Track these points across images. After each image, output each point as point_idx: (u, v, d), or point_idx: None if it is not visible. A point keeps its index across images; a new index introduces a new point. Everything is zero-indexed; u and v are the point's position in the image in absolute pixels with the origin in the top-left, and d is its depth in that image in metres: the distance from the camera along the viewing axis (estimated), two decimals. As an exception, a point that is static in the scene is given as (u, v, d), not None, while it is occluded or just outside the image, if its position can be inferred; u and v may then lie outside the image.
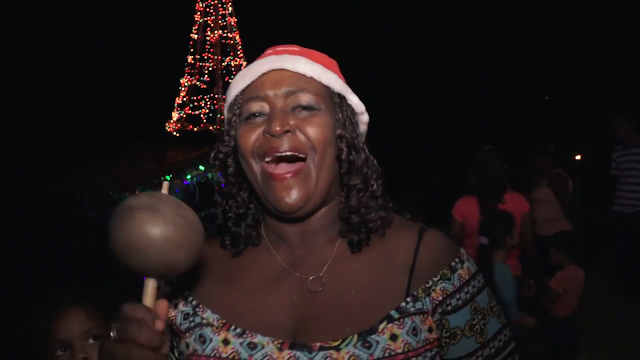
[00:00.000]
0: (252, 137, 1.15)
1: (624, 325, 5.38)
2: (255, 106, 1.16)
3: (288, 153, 1.12)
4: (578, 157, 7.86)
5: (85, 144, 20.44)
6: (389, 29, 28.20)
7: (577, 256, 4.72)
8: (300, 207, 1.13)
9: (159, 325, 0.96)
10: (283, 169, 1.13)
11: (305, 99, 1.15)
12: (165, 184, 1.03)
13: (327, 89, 1.19)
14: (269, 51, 1.26)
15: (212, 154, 1.27)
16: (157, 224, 0.94)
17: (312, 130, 1.13)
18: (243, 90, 1.21)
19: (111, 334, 0.97)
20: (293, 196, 1.12)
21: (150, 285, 0.98)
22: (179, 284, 1.22)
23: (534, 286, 4.28)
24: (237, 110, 1.21)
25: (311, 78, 1.17)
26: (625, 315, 5.57)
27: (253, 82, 1.19)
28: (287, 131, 1.12)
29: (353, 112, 1.24)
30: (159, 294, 1.00)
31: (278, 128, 1.11)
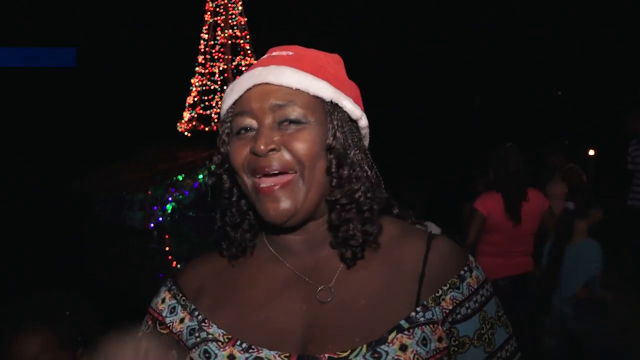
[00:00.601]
0: (242, 153, 1.12)
1: (639, 323, 5.32)
2: (244, 121, 1.14)
3: (276, 171, 1.10)
4: (592, 153, 7.81)
5: (98, 145, 20.56)
6: (400, 25, 28.14)
7: None
8: (287, 218, 1.11)
9: None
10: (271, 181, 1.11)
11: (292, 113, 1.11)
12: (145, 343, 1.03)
13: (317, 98, 1.15)
14: (264, 56, 1.23)
15: (207, 170, 1.28)
16: None
17: (299, 146, 1.09)
18: (233, 104, 1.19)
19: None
20: (280, 208, 1.09)
21: None
22: (185, 296, 1.22)
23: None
24: (229, 125, 1.20)
25: (298, 90, 1.13)
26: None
27: (241, 96, 1.16)
28: (273, 149, 1.09)
29: (348, 118, 1.20)
30: None
31: (262, 147, 1.08)
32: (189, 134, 20.29)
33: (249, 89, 1.15)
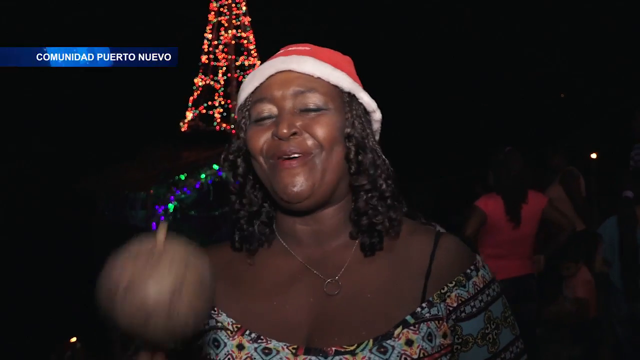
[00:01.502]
0: (261, 139, 1.14)
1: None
2: (264, 108, 1.16)
3: (296, 155, 1.12)
4: (594, 156, 7.80)
5: (101, 144, 20.60)
6: (406, 27, 28.14)
7: (592, 256, 4.73)
8: (305, 196, 1.11)
9: None
10: (290, 161, 1.12)
11: (313, 99, 1.14)
12: (163, 227, 0.94)
13: (336, 88, 1.18)
14: (280, 51, 1.26)
15: (222, 155, 1.27)
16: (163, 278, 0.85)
17: (320, 130, 1.12)
18: (252, 93, 1.21)
19: None
20: (298, 183, 1.10)
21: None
22: None
23: (542, 262, 4.40)
24: (247, 112, 1.21)
25: (319, 78, 1.16)
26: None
27: (261, 84, 1.19)
28: (294, 133, 1.11)
29: (364, 111, 1.23)
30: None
31: (285, 130, 1.10)
32: (192, 134, 20.31)
33: (271, 76, 1.17)
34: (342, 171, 1.16)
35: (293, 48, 1.24)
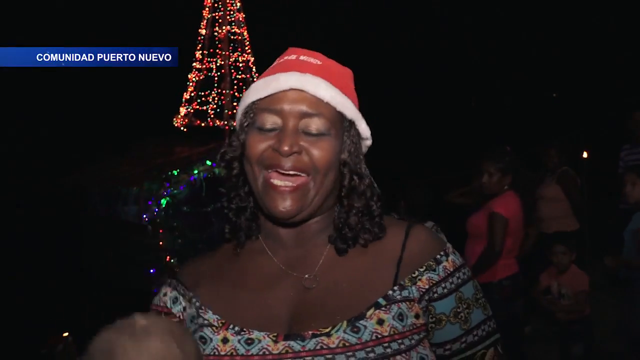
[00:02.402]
0: (261, 147, 1.20)
1: (630, 325, 5.35)
2: (270, 119, 1.20)
3: (291, 172, 1.18)
4: (585, 155, 7.84)
5: (93, 139, 20.50)
6: (399, 27, 28.15)
7: (584, 255, 4.76)
8: (292, 215, 1.19)
9: None
10: (285, 180, 1.18)
11: (318, 124, 1.19)
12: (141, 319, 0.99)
13: (340, 114, 1.24)
14: (292, 57, 1.29)
15: (219, 154, 1.33)
16: None
17: (318, 153, 1.18)
18: (261, 99, 1.24)
19: None
20: (287, 207, 1.18)
21: None
22: (185, 286, 1.30)
23: (534, 236, 4.62)
24: (251, 117, 1.25)
25: (327, 103, 1.21)
26: (630, 315, 5.55)
27: (272, 95, 1.22)
28: (295, 152, 1.17)
29: (359, 137, 1.30)
30: None
31: (287, 148, 1.15)
32: (185, 129, 20.26)
33: (285, 90, 1.21)
34: (331, 192, 1.24)
35: (304, 58, 1.28)
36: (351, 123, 1.26)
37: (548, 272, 4.81)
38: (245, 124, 1.26)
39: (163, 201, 14.58)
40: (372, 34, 27.78)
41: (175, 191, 14.67)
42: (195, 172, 14.96)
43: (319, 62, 1.27)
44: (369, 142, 1.33)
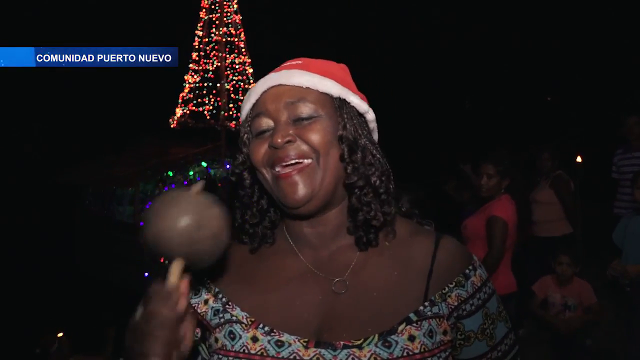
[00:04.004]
0: (261, 150, 1.24)
1: (624, 329, 5.38)
2: (262, 122, 1.26)
3: (293, 161, 1.21)
4: (579, 159, 7.88)
5: (89, 138, 20.45)
6: (393, 30, 28.18)
7: (578, 258, 4.77)
8: (305, 201, 1.21)
9: (182, 302, 1.05)
10: (289, 168, 1.21)
11: (304, 108, 1.23)
12: (200, 183, 1.12)
13: (326, 95, 1.27)
14: (275, 69, 1.34)
15: (230, 170, 1.38)
16: (187, 211, 1.06)
17: (313, 136, 1.21)
18: (251, 109, 1.31)
19: (137, 311, 1.06)
20: (298, 191, 1.20)
21: (176, 265, 1.07)
22: (209, 280, 1.32)
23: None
24: (248, 128, 1.31)
25: (308, 88, 1.25)
26: (625, 319, 5.58)
27: (257, 100, 1.29)
28: (289, 141, 1.21)
29: (357, 113, 1.31)
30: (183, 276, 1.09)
31: (279, 140, 1.20)
32: (181, 130, 20.21)
33: (264, 92, 1.27)
34: (340, 172, 1.24)
35: (286, 64, 1.33)
36: (342, 101, 1.28)
37: (542, 282, 4.78)
38: (245, 137, 1.31)
39: (158, 202, 14.55)
40: (366, 36, 27.82)
41: (170, 192, 14.63)
42: (191, 173, 14.97)
43: (299, 62, 1.32)
44: (371, 115, 1.34)
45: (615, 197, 6.04)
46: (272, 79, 1.27)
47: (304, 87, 1.25)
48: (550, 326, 4.69)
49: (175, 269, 1.07)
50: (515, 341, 1.33)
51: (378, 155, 1.30)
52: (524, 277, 5.00)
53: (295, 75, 1.26)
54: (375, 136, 1.36)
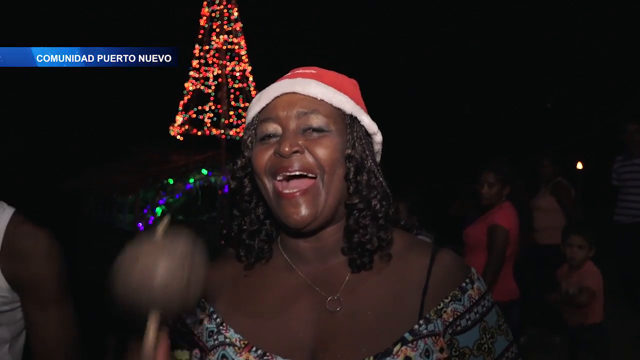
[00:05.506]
0: (265, 156, 1.20)
1: (625, 334, 5.37)
2: (269, 128, 1.21)
3: (297, 172, 1.17)
4: (579, 166, 7.88)
5: (90, 146, 20.45)
6: (393, 36, 28.24)
7: (592, 240, 4.63)
8: (307, 223, 1.17)
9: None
10: (292, 187, 1.18)
11: (316, 120, 1.19)
12: (164, 223, 1.07)
13: (339, 110, 1.23)
14: (288, 74, 1.31)
15: (231, 174, 1.33)
16: (155, 265, 0.99)
17: (321, 151, 1.17)
18: (259, 113, 1.26)
19: None
20: (301, 213, 1.16)
21: (152, 320, 1.03)
22: (204, 299, 1.28)
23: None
24: (253, 131, 1.27)
25: (322, 100, 1.22)
26: (625, 324, 5.57)
27: (267, 104, 1.24)
28: (296, 151, 1.16)
29: (365, 133, 1.28)
30: (159, 335, 1.04)
31: (287, 149, 1.15)
32: (181, 138, 20.23)
33: (277, 97, 1.23)
34: (343, 192, 1.21)
35: (300, 71, 1.29)
36: (353, 119, 1.25)
37: (561, 269, 4.37)
38: (249, 140, 1.27)
39: (158, 210, 14.57)
40: (366, 43, 27.87)
41: (170, 200, 14.66)
42: (192, 180, 14.97)
43: (313, 71, 1.29)
44: (378, 138, 1.31)
45: (615, 204, 6.03)
46: (287, 85, 1.23)
47: (318, 98, 1.21)
48: (557, 324, 4.38)
49: (152, 324, 1.02)
50: (518, 354, 1.26)
51: (381, 179, 1.26)
52: (527, 284, 4.97)
53: (312, 86, 1.22)
54: (379, 158, 1.33)
